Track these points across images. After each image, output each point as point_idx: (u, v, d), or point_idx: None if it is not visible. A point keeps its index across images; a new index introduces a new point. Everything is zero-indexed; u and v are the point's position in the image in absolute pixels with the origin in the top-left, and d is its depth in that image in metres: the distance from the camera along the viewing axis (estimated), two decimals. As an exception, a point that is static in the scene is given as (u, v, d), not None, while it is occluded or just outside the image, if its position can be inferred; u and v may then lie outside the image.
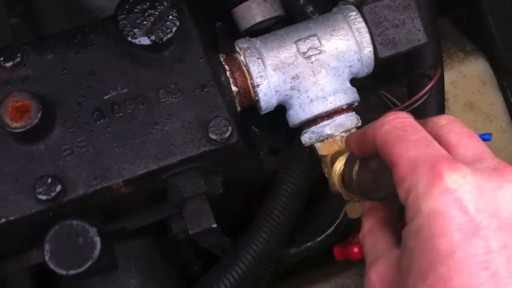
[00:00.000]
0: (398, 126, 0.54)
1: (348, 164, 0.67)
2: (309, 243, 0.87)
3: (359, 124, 0.75)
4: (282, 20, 0.99)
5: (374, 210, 0.63)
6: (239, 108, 0.73)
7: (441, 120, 0.56)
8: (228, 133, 0.66)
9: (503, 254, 0.46)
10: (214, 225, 0.68)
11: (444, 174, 0.48)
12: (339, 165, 0.71)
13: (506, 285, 0.46)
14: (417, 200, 0.49)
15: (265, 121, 0.83)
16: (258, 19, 0.98)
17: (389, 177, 0.53)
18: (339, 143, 0.73)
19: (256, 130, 0.89)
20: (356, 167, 0.65)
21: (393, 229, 0.59)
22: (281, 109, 0.76)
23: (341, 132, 0.73)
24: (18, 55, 0.65)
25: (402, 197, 0.51)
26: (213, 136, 0.65)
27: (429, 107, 0.88)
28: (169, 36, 0.63)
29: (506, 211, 0.48)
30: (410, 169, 0.50)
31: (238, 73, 0.71)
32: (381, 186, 0.62)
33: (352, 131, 0.74)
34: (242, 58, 0.72)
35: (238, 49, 0.73)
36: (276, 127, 0.88)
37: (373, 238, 0.59)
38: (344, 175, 0.68)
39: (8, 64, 0.65)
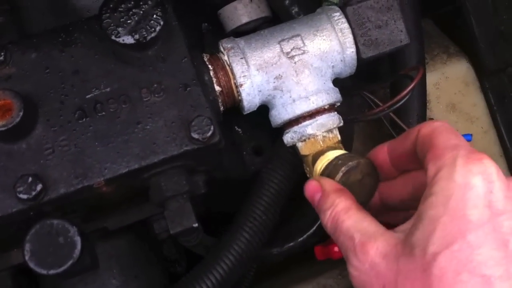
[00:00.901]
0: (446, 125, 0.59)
1: (331, 169, 0.68)
2: (291, 243, 0.87)
3: (341, 124, 0.75)
4: (268, 21, 1.00)
5: (345, 192, 0.63)
6: (222, 108, 0.73)
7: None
8: (210, 132, 0.66)
9: None
10: (196, 225, 0.68)
11: (484, 159, 0.52)
12: (319, 164, 0.71)
13: None
14: (453, 173, 0.52)
15: (248, 121, 0.83)
16: (244, 20, 0.98)
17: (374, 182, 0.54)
18: (321, 143, 0.73)
19: (239, 130, 0.89)
20: (341, 171, 0.66)
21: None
22: (263, 109, 0.76)
23: (322, 132, 0.73)
24: (1, 53, 0.65)
25: (431, 172, 0.54)
26: (195, 135, 0.66)
27: (411, 108, 0.89)
28: (153, 35, 0.63)
29: None
30: (450, 149, 0.54)
31: (221, 73, 0.72)
32: (364, 190, 0.62)
33: (334, 131, 0.74)
34: (225, 58, 0.72)
35: (222, 49, 0.73)
36: (259, 127, 0.88)
37: (355, 218, 0.59)
38: (327, 174, 0.69)
39: (-9, 63, 0.65)
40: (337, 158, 0.69)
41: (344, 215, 0.60)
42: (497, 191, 0.51)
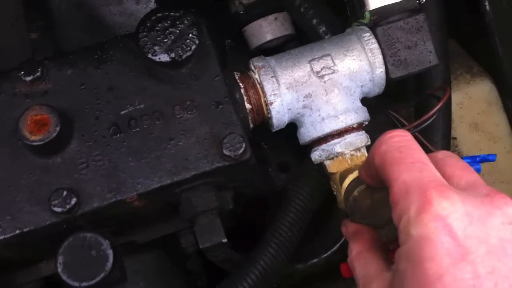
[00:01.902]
0: (396, 146, 0.54)
1: (355, 183, 0.68)
2: (315, 259, 0.88)
3: (369, 143, 0.76)
4: (292, 38, 1.01)
5: (359, 233, 0.64)
6: (251, 125, 0.74)
7: (438, 155, 0.57)
8: (242, 149, 0.67)
9: (490, 279, 0.47)
10: (225, 240, 0.69)
11: (434, 201, 0.49)
12: (347, 182, 0.72)
13: None
14: (408, 225, 0.50)
15: (274, 137, 0.84)
16: (269, 37, 0.99)
17: (386, 209, 0.55)
18: (349, 161, 0.74)
19: (266, 146, 0.90)
20: (361, 188, 0.66)
21: (381, 251, 0.60)
22: (290, 126, 0.77)
23: (351, 151, 0.74)
24: (39, 69, 0.66)
25: (395, 220, 0.52)
26: (227, 152, 0.66)
27: (436, 128, 0.89)
28: (188, 54, 0.65)
29: (494, 237, 0.49)
30: (403, 193, 0.51)
31: (252, 91, 0.73)
32: (377, 214, 0.63)
33: (362, 149, 0.75)
34: (256, 76, 0.73)
35: (252, 68, 0.74)
36: (285, 144, 0.89)
37: (362, 262, 0.60)
38: (348, 192, 0.69)
39: (29, 78, 0.66)
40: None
41: (356, 261, 0.61)
42: (455, 233, 0.48)
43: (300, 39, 1.01)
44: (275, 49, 1.01)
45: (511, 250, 0.49)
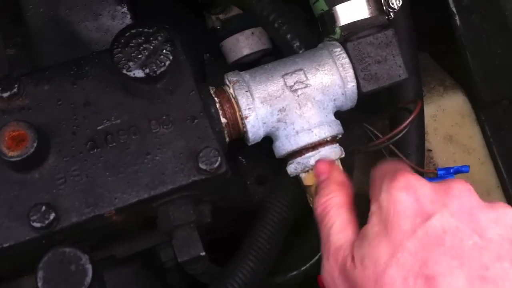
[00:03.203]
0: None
1: None
2: (295, 272, 0.89)
3: (343, 155, 0.78)
4: (269, 53, 1.03)
5: (347, 188, 0.68)
6: (227, 139, 0.75)
7: None
8: (218, 163, 0.68)
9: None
10: (203, 253, 0.70)
11: (405, 174, 0.59)
12: None
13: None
14: (381, 194, 0.59)
15: (251, 151, 0.85)
16: (246, 52, 1.01)
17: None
18: (324, 173, 0.75)
19: (243, 160, 0.91)
20: None
21: (354, 211, 0.66)
22: (267, 140, 0.79)
23: (325, 163, 0.75)
24: (15, 85, 0.67)
25: (370, 196, 0.61)
26: (203, 166, 0.68)
27: (410, 140, 0.91)
28: (162, 69, 0.66)
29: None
30: (381, 175, 0.61)
31: (227, 105, 0.74)
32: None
33: (336, 162, 0.76)
34: (231, 90, 0.74)
35: (227, 82, 0.75)
36: (262, 158, 0.90)
37: (341, 220, 0.64)
38: None
39: (5, 94, 0.67)
40: None
41: (335, 210, 0.65)
42: (422, 198, 0.57)
43: (277, 54, 1.03)
44: (252, 63, 1.03)
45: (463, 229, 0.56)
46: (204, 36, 1.03)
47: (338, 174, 0.70)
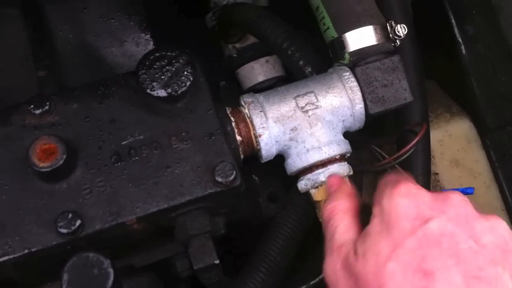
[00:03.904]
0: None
1: None
2: (303, 286, 0.93)
3: (351, 173, 0.82)
4: (282, 80, 1.08)
5: (354, 199, 0.73)
6: (242, 156, 0.80)
7: None
8: (233, 176, 0.73)
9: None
10: (217, 261, 0.74)
11: (407, 182, 0.64)
12: None
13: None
14: (384, 199, 0.64)
15: (264, 170, 0.90)
16: (261, 78, 1.06)
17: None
18: (333, 190, 0.80)
19: (256, 178, 0.95)
20: None
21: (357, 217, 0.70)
22: (279, 159, 0.83)
23: (334, 180, 0.80)
24: (47, 103, 0.73)
25: (373, 202, 0.66)
26: (219, 179, 0.72)
27: (416, 162, 0.94)
28: (183, 89, 0.71)
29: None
30: (384, 184, 0.66)
31: (242, 124, 0.79)
32: None
33: (345, 179, 0.81)
34: (246, 111, 0.79)
35: (242, 103, 0.80)
36: (274, 176, 0.95)
37: (346, 223, 0.68)
38: None
39: (38, 111, 0.72)
40: None
41: (341, 214, 0.69)
42: (421, 204, 0.62)
43: (290, 81, 1.07)
44: (266, 90, 1.08)
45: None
46: (220, 64, 1.09)
47: (347, 186, 0.74)
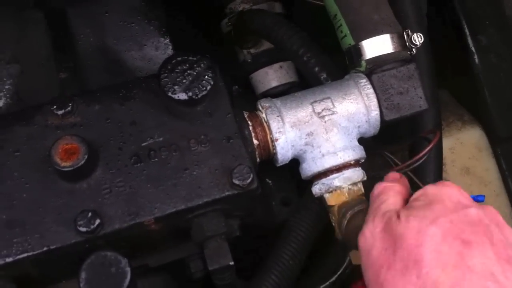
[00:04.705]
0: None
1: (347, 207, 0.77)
2: (315, 290, 0.94)
3: (365, 178, 0.83)
4: (295, 85, 1.09)
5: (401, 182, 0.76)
6: (258, 160, 0.81)
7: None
8: (250, 179, 0.74)
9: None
10: (231, 263, 0.75)
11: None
12: (345, 214, 0.78)
13: None
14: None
15: (278, 174, 0.91)
16: (274, 84, 1.07)
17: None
18: (346, 194, 0.80)
19: (270, 182, 0.97)
20: (354, 210, 0.76)
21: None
22: (292, 164, 0.84)
23: (348, 185, 0.81)
24: (69, 104, 0.74)
25: None
26: (236, 181, 0.74)
27: (428, 169, 0.95)
28: (204, 93, 0.72)
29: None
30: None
31: (259, 128, 0.80)
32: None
33: (358, 184, 0.82)
34: (263, 115, 0.80)
35: (260, 107, 0.81)
36: (288, 180, 0.96)
37: (393, 201, 0.71)
38: (342, 215, 0.77)
39: (60, 112, 0.74)
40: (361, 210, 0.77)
41: (392, 193, 0.71)
42: (463, 194, 0.67)
43: (303, 87, 1.09)
44: (279, 95, 1.09)
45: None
46: (234, 68, 1.10)
47: (404, 179, 0.77)
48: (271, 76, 1.08)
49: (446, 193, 0.66)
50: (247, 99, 1.08)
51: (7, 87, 0.83)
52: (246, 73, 1.10)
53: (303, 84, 1.08)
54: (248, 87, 1.10)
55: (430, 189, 0.67)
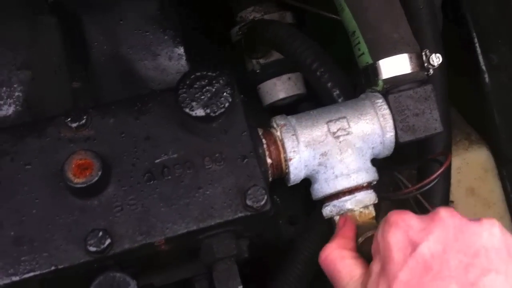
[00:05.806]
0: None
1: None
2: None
3: (376, 201, 0.81)
4: (302, 97, 1.08)
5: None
6: (270, 179, 0.79)
7: None
8: (264, 201, 0.72)
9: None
10: (241, 286, 0.73)
11: (395, 214, 0.66)
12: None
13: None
14: (378, 233, 0.66)
15: (285, 192, 0.89)
16: (281, 95, 1.06)
17: None
18: (357, 218, 0.79)
19: (277, 199, 0.95)
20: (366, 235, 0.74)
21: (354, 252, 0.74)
22: (303, 182, 0.83)
23: (360, 208, 0.79)
24: (84, 117, 0.72)
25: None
26: (250, 203, 0.72)
27: (436, 191, 0.94)
28: (221, 110, 0.70)
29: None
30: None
31: (273, 147, 0.78)
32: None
33: (370, 207, 0.80)
34: (278, 133, 0.79)
35: (274, 125, 0.80)
36: (295, 199, 0.94)
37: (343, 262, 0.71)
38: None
39: (74, 125, 0.72)
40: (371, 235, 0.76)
41: (339, 260, 0.71)
42: (410, 229, 0.63)
43: (310, 99, 1.07)
44: (286, 106, 1.08)
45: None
46: (241, 78, 1.08)
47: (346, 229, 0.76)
48: (279, 87, 1.07)
49: (392, 240, 0.63)
50: (254, 109, 1.06)
51: (16, 94, 0.80)
52: (253, 83, 1.08)
53: (311, 96, 1.06)
54: (254, 96, 1.09)
55: (379, 238, 0.65)
